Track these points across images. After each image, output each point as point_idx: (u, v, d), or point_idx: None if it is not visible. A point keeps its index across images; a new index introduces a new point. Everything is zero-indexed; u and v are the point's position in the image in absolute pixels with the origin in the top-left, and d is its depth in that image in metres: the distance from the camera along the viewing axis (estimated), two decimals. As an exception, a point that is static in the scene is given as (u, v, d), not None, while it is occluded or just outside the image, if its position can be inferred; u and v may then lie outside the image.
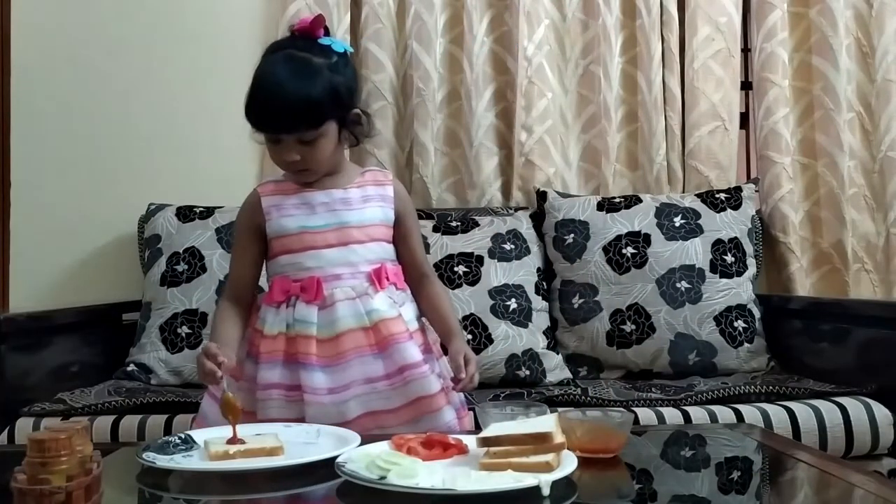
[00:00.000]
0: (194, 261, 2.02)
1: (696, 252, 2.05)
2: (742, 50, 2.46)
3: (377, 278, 1.36)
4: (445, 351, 1.41)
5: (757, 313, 2.04)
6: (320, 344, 1.32)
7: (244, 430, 1.13)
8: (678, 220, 2.10)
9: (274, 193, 1.39)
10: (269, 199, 1.39)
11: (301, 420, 1.28)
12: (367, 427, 1.28)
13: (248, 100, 1.33)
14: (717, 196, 2.18)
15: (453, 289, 1.97)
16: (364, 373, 1.32)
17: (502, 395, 1.78)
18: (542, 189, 2.25)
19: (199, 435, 1.13)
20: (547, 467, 0.91)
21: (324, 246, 1.35)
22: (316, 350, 1.31)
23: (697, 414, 1.61)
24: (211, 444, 1.07)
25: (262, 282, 1.46)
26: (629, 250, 2.06)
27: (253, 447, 1.06)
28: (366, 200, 1.41)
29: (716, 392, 1.72)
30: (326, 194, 1.38)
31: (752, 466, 1.17)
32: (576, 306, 2.06)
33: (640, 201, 2.16)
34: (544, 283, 2.11)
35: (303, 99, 1.29)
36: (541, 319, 2.01)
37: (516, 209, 2.24)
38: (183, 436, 1.11)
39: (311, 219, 1.37)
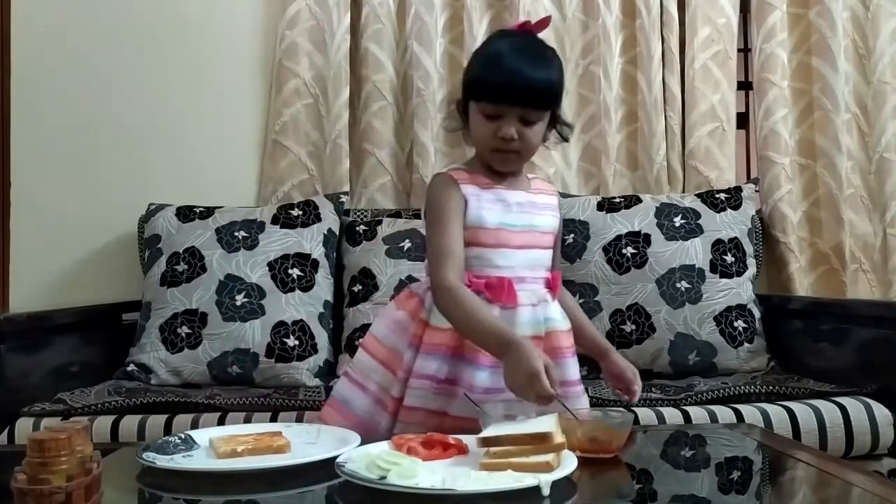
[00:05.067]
0: (194, 261, 2.02)
1: (696, 252, 2.05)
2: (742, 50, 2.47)
3: (553, 286, 1.35)
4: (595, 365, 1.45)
5: (757, 313, 2.04)
6: None
7: (247, 429, 1.14)
8: (678, 220, 2.10)
9: (469, 182, 1.33)
10: (466, 187, 1.32)
11: (442, 411, 1.26)
12: None
13: (485, 68, 1.30)
14: (717, 196, 2.18)
15: (453, 289, 1.97)
16: None
17: (502, 395, 1.78)
18: (542, 189, 2.25)
19: (200, 434, 1.14)
20: (547, 467, 0.91)
21: (516, 246, 1.33)
22: None
23: (697, 414, 1.61)
24: (217, 442, 1.08)
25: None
26: (629, 250, 2.06)
27: (260, 445, 1.07)
28: (544, 207, 1.39)
29: (716, 392, 1.72)
30: (517, 194, 1.35)
31: (752, 466, 1.17)
32: (576, 306, 2.06)
33: (640, 201, 2.16)
34: (544, 283, 2.11)
35: (543, 78, 1.29)
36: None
37: (516, 209, 2.24)
38: (183, 436, 1.12)
39: (509, 216, 1.33)
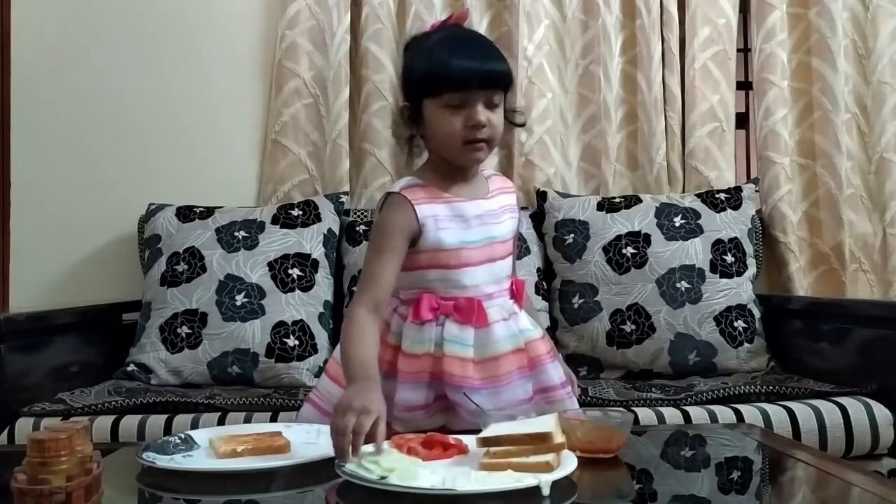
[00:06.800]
0: (194, 261, 2.02)
1: (696, 252, 2.05)
2: (742, 50, 2.46)
3: (517, 295, 1.33)
4: None
5: (757, 313, 2.04)
6: (476, 365, 1.26)
7: (247, 429, 1.14)
8: (678, 220, 2.10)
9: (426, 201, 1.28)
10: (423, 207, 1.27)
11: (442, 428, 1.23)
12: None
13: (441, 59, 1.24)
14: (717, 196, 2.18)
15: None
16: (515, 395, 1.28)
17: (502, 395, 1.78)
18: (542, 189, 2.25)
19: (200, 434, 1.14)
20: (547, 467, 0.91)
21: (477, 263, 1.29)
22: (472, 372, 1.26)
23: (697, 414, 1.61)
24: (217, 442, 1.08)
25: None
26: (629, 250, 2.06)
27: (260, 445, 1.07)
28: (503, 211, 1.35)
29: (716, 392, 1.72)
30: (476, 205, 1.31)
31: (752, 466, 1.17)
32: (576, 306, 2.06)
33: (640, 201, 2.16)
34: (544, 283, 2.11)
35: (499, 58, 1.27)
36: (541, 319, 2.01)
37: (516, 209, 2.24)
38: (183, 436, 1.12)
39: (468, 233, 1.29)
